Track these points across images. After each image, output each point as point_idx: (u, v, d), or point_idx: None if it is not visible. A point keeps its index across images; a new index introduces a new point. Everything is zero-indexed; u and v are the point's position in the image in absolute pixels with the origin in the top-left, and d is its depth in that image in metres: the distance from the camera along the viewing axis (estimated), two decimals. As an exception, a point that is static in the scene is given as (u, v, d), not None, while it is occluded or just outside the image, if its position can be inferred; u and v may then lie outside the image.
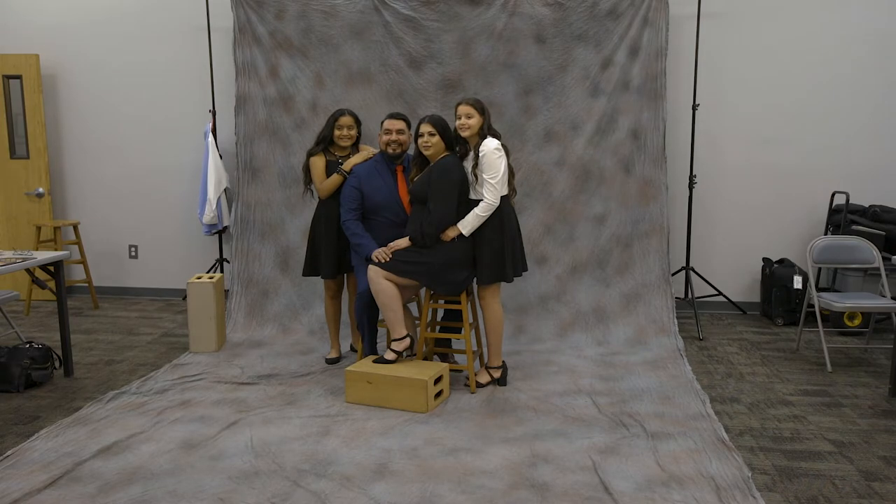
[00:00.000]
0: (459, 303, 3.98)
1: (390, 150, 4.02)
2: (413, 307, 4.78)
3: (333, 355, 4.41)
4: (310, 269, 4.33)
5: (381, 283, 3.74)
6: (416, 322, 4.15)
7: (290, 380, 4.09)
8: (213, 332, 4.61)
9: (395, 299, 3.75)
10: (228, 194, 5.76)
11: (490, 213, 3.70)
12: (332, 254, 4.21)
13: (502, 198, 3.74)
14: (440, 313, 4.53)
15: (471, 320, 4.07)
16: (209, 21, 5.68)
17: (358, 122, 4.25)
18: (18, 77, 5.96)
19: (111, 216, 6.25)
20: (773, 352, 4.59)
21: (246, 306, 5.14)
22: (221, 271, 5.92)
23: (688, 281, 5.31)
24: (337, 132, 4.17)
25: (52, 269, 4.18)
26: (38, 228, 5.78)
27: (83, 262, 5.95)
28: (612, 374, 4.11)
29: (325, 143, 4.21)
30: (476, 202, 3.71)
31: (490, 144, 3.68)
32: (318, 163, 4.18)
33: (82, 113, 6.15)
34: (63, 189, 6.29)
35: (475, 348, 4.31)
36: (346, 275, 4.43)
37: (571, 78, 5.06)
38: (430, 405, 3.59)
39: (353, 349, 4.60)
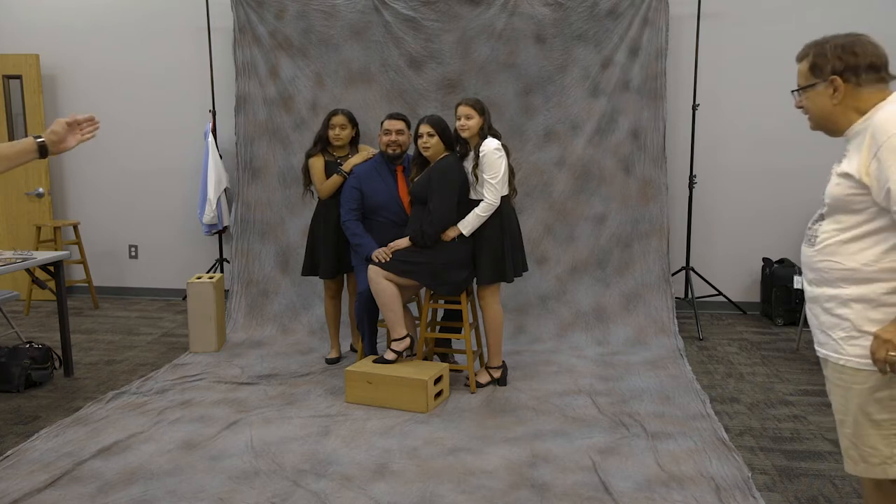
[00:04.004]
0: (459, 303, 3.98)
1: (390, 151, 4.02)
2: (413, 307, 4.78)
3: (333, 355, 4.41)
4: (309, 268, 4.33)
5: (381, 283, 3.74)
6: (416, 322, 4.15)
7: (290, 380, 4.09)
8: (213, 332, 4.61)
9: (395, 299, 3.75)
10: (228, 194, 5.76)
11: (490, 213, 3.70)
12: (331, 254, 4.21)
13: (502, 198, 3.74)
14: (440, 313, 4.53)
15: (471, 320, 4.07)
16: (209, 21, 5.68)
17: (352, 122, 4.25)
18: (18, 77, 5.97)
19: (111, 216, 6.25)
20: (773, 352, 4.59)
21: (246, 306, 5.14)
22: (221, 271, 5.92)
23: (688, 281, 5.31)
24: (330, 132, 4.18)
25: (52, 269, 4.19)
26: (38, 228, 5.78)
27: (83, 262, 5.95)
28: (612, 374, 4.11)
29: (322, 143, 4.22)
30: (476, 202, 3.71)
31: (490, 144, 3.68)
32: (317, 164, 4.19)
33: (82, 113, 6.13)
34: (63, 189, 6.29)
35: (475, 348, 4.31)
36: (346, 275, 4.43)
37: (571, 78, 5.06)
38: (430, 405, 3.59)
39: (353, 349, 4.60)
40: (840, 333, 1.85)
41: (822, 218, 1.91)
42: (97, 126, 2.32)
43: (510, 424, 3.42)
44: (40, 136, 2.20)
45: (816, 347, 1.95)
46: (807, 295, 1.96)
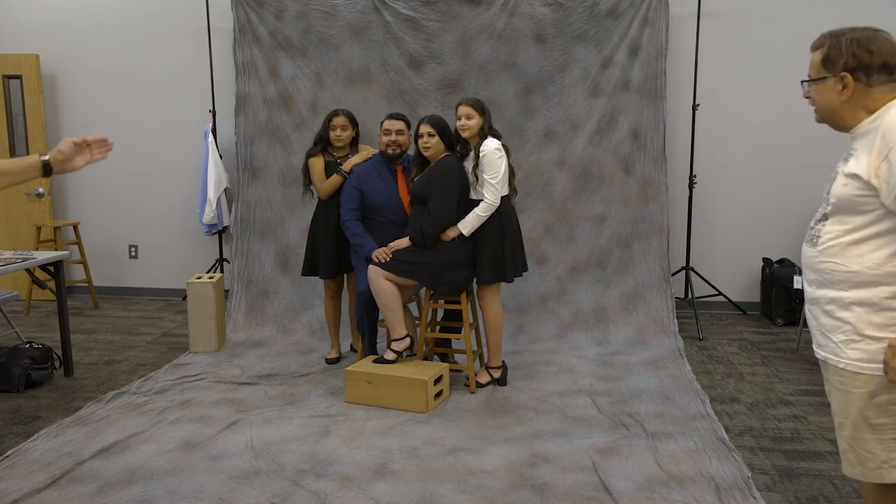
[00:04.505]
0: (459, 303, 3.98)
1: (390, 151, 4.02)
2: (413, 307, 4.78)
3: (333, 355, 4.41)
4: (309, 269, 4.33)
5: (381, 283, 3.74)
6: (416, 322, 4.15)
7: (290, 380, 4.09)
8: (213, 332, 4.61)
9: (395, 299, 3.75)
10: (228, 194, 5.76)
11: (490, 213, 3.70)
12: (331, 254, 4.21)
13: (502, 198, 3.74)
14: (440, 313, 4.53)
15: (471, 320, 4.07)
16: (209, 21, 5.68)
17: (353, 122, 4.25)
18: (18, 77, 5.96)
19: (111, 216, 6.25)
20: (773, 352, 4.59)
21: (246, 306, 5.14)
22: (221, 271, 5.92)
23: (688, 281, 5.31)
24: (332, 133, 4.18)
25: (52, 269, 4.18)
26: (38, 228, 5.78)
27: (83, 262, 5.95)
28: (612, 374, 4.11)
29: (322, 143, 4.21)
30: (476, 202, 3.71)
31: (490, 145, 3.68)
32: (317, 164, 4.18)
33: (82, 113, 6.15)
34: (63, 189, 6.29)
35: (475, 348, 4.31)
36: (346, 275, 4.43)
37: (571, 78, 5.06)
38: (430, 405, 3.59)
39: (352, 349, 4.59)
40: (840, 336, 1.81)
41: (825, 218, 1.86)
42: (109, 147, 2.25)
43: (510, 424, 3.42)
44: (45, 155, 2.17)
45: (815, 349, 1.92)
46: (807, 296, 1.93)
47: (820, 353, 1.90)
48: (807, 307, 1.94)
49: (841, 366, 1.83)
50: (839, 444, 1.90)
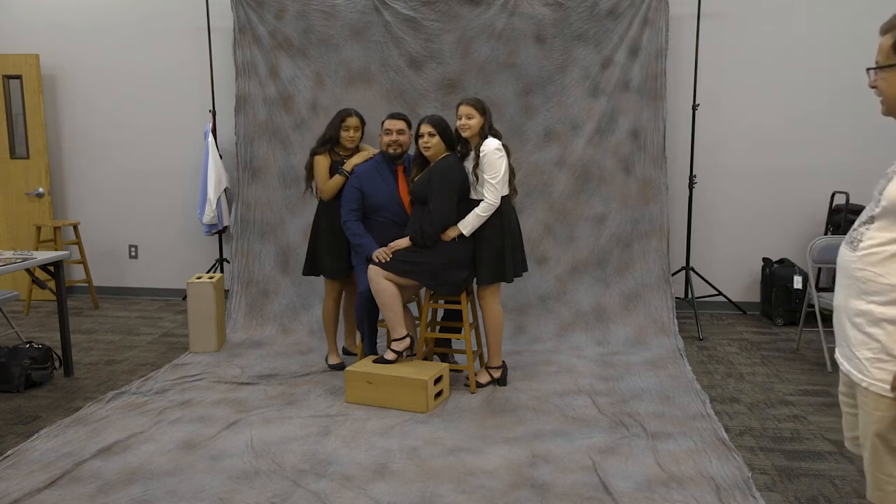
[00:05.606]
0: (459, 303, 3.98)
1: (391, 151, 4.01)
2: (413, 307, 4.78)
3: (335, 360, 4.32)
4: (310, 268, 4.30)
5: (382, 283, 3.74)
6: (416, 322, 4.15)
7: (290, 380, 4.09)
8: (213, 332, 4.61)
9: (395, 299, 3.75)
10: (228, 194, 5.76)
11: (490, 213, 3.70)
12: (341, 254, 4.16)
13: (503, 198, 3.74)
14: (440, 313, 4.53)
15: (471, 320, 4.07)
16: (209, 21, 5.68)
17: (363, 122, 4.24)
18: (18, 77, 5.97)
19: (111, 216, 6.25)
20: (773, 352, 4.59)
21: (246, 306, 5.14)
22: (221, 271, 5.92)
23: (688, 281, 5.31)
24: (344, 133, 4.14)
25: (52, 269, 4.18)
26: (38, 228, 5.78)
27: (83, 262, 5.95)
28: (612, 374, 4.11)
29: (330, 143, 4.17)
30: (477, 202, 3.71)
31: (491, 144, 3.68)
32: (323, 162, 4.14)
33: (82, 113, 6.15)
34: (63, 189, 6.29)
35: (475, 348, 4.31)
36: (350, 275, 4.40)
37: (571, 78, 5.06)
38: (430, 405, 3.59)
39: (345, 352, 4.52)
40: (867, 353, 1.67)
41: (871, 220, 1.68)
42: None
43: (510, 424, 3.42)
44: None
45: (839, 358, 1.79)
46: (835, 301, 1.79)
47: (844, 364, 1.77)
48: (834, 313, 1.81)
49: (864, 385, 1.69)
50: (864, 463, 1.78)
